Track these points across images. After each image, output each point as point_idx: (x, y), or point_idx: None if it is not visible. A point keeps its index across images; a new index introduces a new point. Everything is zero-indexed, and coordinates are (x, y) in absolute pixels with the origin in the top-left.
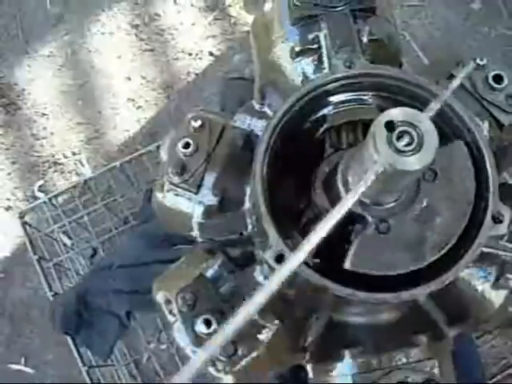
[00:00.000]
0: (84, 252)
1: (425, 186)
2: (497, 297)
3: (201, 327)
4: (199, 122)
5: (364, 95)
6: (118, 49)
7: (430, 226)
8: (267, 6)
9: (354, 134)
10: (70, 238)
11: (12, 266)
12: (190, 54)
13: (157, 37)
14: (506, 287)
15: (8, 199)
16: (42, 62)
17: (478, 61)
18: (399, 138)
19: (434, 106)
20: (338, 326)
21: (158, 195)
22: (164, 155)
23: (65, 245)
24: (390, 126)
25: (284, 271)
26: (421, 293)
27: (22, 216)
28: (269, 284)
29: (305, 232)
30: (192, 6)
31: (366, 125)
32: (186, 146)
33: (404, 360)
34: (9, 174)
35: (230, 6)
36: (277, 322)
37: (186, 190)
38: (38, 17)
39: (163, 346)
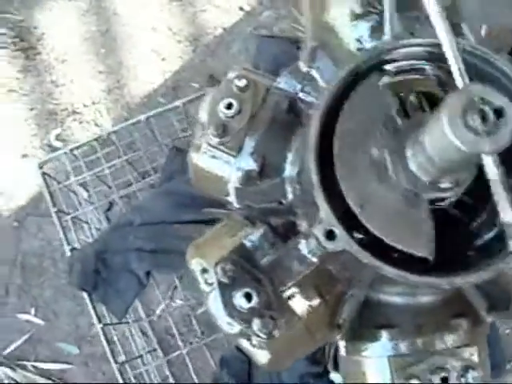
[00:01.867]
0: (101, 206)
1: None
2: None
3: (241, 301)
4: (244, 82)
5: (423, 65)
6: None
7: None
8: None
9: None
10: (86, 190)
11: (26, 215)
12: (219, 7)
13: None
14: None
15: (24, 146)
16: (64, 5)
17: None
18: (475, 116)
19: None
20: (374, 304)
21: (194, 156)
22: (203, 115)
23: (83, 198)
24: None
25: None
26: (475, 279)
27: (41, 166)
28: None
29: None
30: None
31: (426, 96)
32: (229, 106)
33: (441, 345)
34: (26, 120)
35: None
36: (318, 298)
37: (224, 153)
38: None
39: (176, 304)
